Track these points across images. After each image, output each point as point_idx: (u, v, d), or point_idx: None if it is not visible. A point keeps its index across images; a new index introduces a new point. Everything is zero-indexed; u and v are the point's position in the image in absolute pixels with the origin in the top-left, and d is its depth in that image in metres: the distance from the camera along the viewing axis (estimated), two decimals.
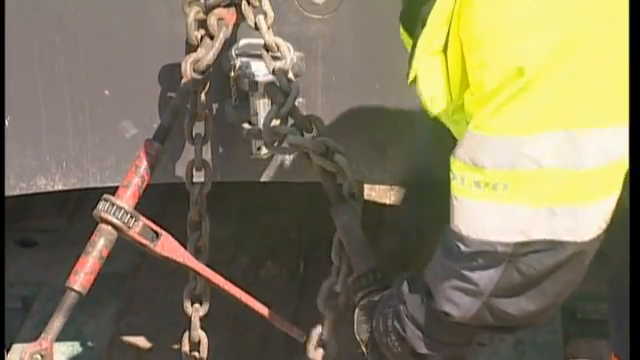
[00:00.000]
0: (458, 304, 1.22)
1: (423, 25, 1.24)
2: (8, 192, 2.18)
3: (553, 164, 1.08)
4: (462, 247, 1.17)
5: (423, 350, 1.34)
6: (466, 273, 1.18)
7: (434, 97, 1.26)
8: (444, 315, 1.23)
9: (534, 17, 1.09)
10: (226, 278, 1.95)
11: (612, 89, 1.10)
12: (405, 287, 1.37)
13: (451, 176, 1.19)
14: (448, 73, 1.24)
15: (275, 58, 1.74)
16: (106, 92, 2.11)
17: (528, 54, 1.06)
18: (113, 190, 1.90)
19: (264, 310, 1.99)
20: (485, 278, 1.16)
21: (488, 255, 1.14)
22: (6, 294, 2.69)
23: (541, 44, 1.08)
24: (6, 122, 2.14)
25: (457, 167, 1.17)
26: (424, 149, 2.11)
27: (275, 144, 1.83)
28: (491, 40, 1.11)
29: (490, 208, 1.14)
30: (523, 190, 1.11)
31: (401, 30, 1.47)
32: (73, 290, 1.75)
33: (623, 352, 1.61)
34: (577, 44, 1.08)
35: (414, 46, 1.29)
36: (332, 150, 1.75)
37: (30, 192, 2.19)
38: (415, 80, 1.29)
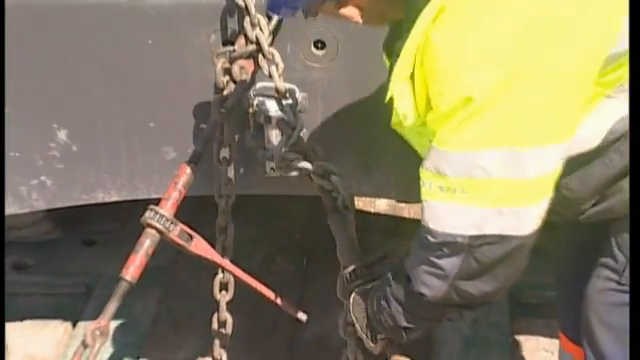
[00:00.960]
0: (430, 286, 1.24)
1: (397, 56, 1.26)
2: (73, 203, 2.23)
3: (500, 174, 1.10)
4: (430, 239, 1.19)
5: (404, 323, 1.37)
6: (435, 260, 1.19)
7: (405, 114, 1.27)
8: (420, 295, 1.25)
9: (483, 56, 1.11)
10: (245, 271, 1.96)
11: (550, 114, 1.11)
12: (390, 275, 1.38)
13: (421, 183, 1.20)
14: (415, 96, 1.25)
15: (284, 98, 1.76)
16: (151, 124, 2.13)
17: (477, 86, 1.08)
18: (157, 201, 1.93)
19: (274, 296, 1.98)
20: (450, 264, 1.18)
21: (451, 245, 1.16)
22: (73, 282, 2.80)
23: (489, 79, 1.09)
24: (74, 148, 2.17)
25: (425, 176, 1.18)
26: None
27: (284, 167, 1.90)
28: (446, 74, 1.12)
29: (451, 208, 1.16)
30: (477, 194, 1.13)
31: (384, 57, 1.51)
32: (125, 280, 1.78)
33: (569, 330, 1.83)
34: (519, 79, 1.09)
35: (390, 72, 1.34)
36: (328, 172, 1.73)
37: (91, 203, 2.19)
38: (391, 100, 1.31)
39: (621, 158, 1.26)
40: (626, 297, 1.37)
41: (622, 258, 1.41)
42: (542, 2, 1.16)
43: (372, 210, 2.89)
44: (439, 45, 1.13)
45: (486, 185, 1.15)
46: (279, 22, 1.97)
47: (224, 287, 2.04)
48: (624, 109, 1.23)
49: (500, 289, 1.30)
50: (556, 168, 1.18)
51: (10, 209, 2.08)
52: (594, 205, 1.38)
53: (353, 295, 1.58)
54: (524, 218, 1.16)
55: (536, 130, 1.13)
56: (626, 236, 1.38)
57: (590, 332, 1.60)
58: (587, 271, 1.58)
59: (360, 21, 1.33)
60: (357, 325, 1.56)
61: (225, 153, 1.91)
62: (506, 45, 1.13)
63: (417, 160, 1.38)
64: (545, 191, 1.18)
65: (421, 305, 1.33)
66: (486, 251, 1.17)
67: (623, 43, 1.17)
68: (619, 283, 1.44)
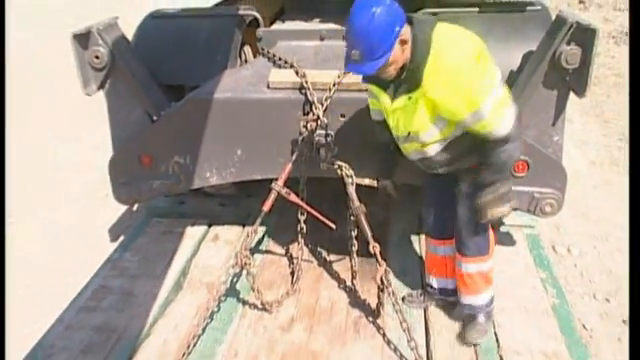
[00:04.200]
0: (514, 156, 2.15)
1: (404, 82, 2.08)
2: (203, 184, 3.03)
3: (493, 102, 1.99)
4: (504, 138, 2.06)
5: (506, 188, 2.21)
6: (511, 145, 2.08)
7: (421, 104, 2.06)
8: (509, 165, 2.20)
9: (474, 88, 1.96)
10: (312, 207, 2.80)
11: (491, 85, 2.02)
12: (492, 178, 2.22)
13: (487, 121, 2.02)
14: (417, 109, 2.06)
15: (327, 137, 2.69)
16: (238, 152, 2.93)
17: (476, 106, 1.96)
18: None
19: (325, 217, 2.78)
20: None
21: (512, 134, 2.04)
22: (235, 211, 3.65)
23: (486, 99, 1.97)
24: (239, 157, 2.95)
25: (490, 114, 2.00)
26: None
27: (328, 165, 2.73)
28: (454, 101, 1.98)
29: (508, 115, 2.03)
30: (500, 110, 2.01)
31: (370, 86, 2.30)
32: (275, 189, 2.67)
33: (433, 231, 2.69)
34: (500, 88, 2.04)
35: (380, 94, 2.22)
36: (349, 173, 2.64)
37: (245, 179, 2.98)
38: (394, 112, 2.18)
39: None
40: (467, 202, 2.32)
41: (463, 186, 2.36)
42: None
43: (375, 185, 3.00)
44: (441, 89, 2.00)
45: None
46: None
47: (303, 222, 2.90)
48: None
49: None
50: (502, 94, 2.02)
51: (212, 181, 2.99)
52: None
53: (483, 200, 2.24)
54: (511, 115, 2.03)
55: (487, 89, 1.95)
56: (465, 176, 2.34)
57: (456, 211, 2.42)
58: (447, 192, 2.46)
59: (393, 75, 2.07)
60: (496, 209, 2.22)
61: (305, 161, 2.78)
62: (492, 74, 2.05)
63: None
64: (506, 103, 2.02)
65: (507, 172, 2.22)
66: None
67: None
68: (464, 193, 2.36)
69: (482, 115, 1.97)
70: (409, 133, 2.19)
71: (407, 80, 2.04)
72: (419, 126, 2.13)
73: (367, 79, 2.24)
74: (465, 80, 1.93)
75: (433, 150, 2.22)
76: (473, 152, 2.18)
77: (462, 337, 2.53)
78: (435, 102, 2.01)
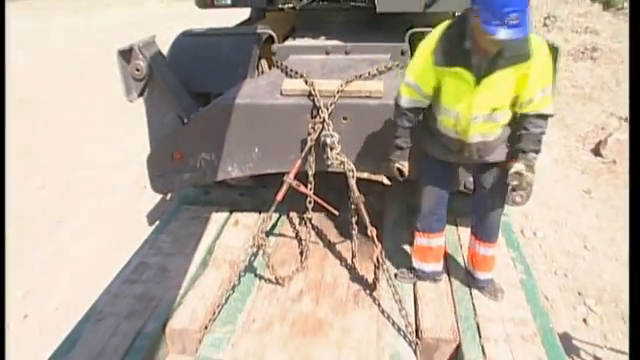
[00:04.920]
0: (544, 130, 2.10)
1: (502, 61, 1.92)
2: (225, 176, 2.95)
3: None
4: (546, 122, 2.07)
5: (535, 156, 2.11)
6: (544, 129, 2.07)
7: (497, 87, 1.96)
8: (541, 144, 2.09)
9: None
10: (319, 196, 2.79)
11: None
12: (528, 156, 2.13)
13: (540, 105, 2.02)
14: (508, 84, 1.96)
15: (332, 137, 2.66)
16: (256, 150, 2.88)
17: (549, 82, 1.98)
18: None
19: (330, 205, 2.78)
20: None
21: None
22: (252, 199, 3.50)
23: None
24: (255, 154, 2.84)
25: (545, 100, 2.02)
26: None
27: (334, 161, 2.66)
28: (545, 76, 1.97)
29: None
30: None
31: (456, 69, 2.00)
32: (286, 182, 2.66)
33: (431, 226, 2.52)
34: None
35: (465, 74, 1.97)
36: (350, 168, 2.60)
37: (262, 173, 2.91)
38: (479, 89, 1.99)
39: None
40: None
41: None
42: None
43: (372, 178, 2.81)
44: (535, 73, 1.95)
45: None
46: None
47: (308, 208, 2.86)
48: None
49: None
50: None
51: (233, 174, 2.94)
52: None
53: (520, 168, 2.11)
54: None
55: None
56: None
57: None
58: (445, 191, 2.39)
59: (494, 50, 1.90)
60: (530, 175, 2.11)
61: (312, 157, 2.76)
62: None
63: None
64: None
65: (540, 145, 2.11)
66: None
67: None
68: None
69: (547, 92, 1.97)
70: (493, 110, 2.04)
71: (510, 54, 1.89)
72: (504, 101, 2.01)
73: (449, 60, 2.00)
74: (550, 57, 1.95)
75: (496, 134, 2.13)
76: (513, 142, 2.16)
77: (493, 297, 2.52)
78: (530, 77, 1.92)
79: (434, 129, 2.25)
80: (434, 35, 2.01)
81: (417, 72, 2.10)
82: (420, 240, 2.56)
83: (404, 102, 2.24)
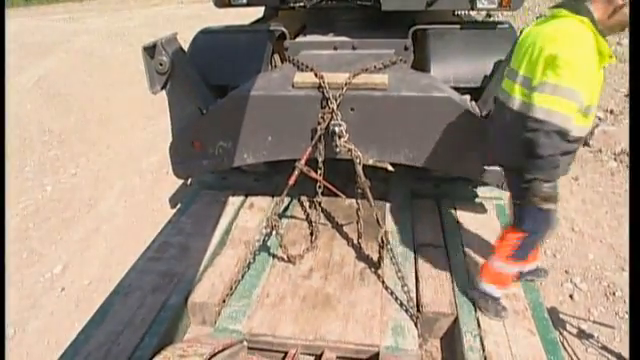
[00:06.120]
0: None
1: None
2: (241, 163, 2.80)
3: None
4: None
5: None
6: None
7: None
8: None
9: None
10: (328, 181, 2.67)
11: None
12: (534, 177, 1.72)
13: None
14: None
15: (339, 126, 2.50)
16: (269, 138, 2.75)
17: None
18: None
19: (338, 190, 2.62)
20: None
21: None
22: (264, 182, 3.37)
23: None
24: (268, 142, 2.72)
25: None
26: None
27: (342, 149, 2.54)
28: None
29: None
30: None
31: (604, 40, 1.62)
32: (298, 167, 2.52)
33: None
34: None
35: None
36: (357, 154, 2.47)
37: (275, 159, 2.77)
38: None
39: None
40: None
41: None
42: None
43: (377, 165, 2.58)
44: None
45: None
46: None
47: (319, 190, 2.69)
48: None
49: None
50: None
51: (248, 161, 2.79)
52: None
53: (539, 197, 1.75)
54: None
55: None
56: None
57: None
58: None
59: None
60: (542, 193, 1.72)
61: (322, 145, 2.61)
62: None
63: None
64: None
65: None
66: None
67: None
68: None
69: None
70: None
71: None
72: None
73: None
74: None
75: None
76: None
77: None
78: None
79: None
80: (584, 38, 1.63)
81: (590, 88, 1.68)
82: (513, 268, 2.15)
83: (502, 96, 1.93)
